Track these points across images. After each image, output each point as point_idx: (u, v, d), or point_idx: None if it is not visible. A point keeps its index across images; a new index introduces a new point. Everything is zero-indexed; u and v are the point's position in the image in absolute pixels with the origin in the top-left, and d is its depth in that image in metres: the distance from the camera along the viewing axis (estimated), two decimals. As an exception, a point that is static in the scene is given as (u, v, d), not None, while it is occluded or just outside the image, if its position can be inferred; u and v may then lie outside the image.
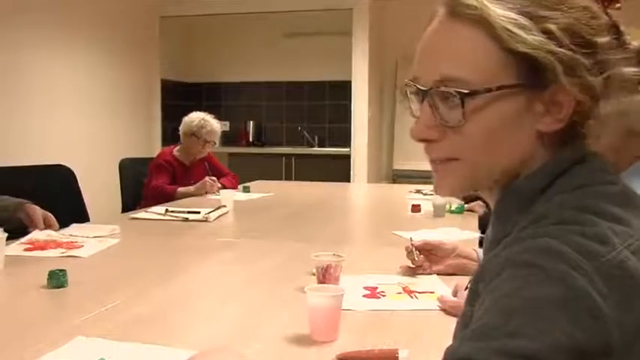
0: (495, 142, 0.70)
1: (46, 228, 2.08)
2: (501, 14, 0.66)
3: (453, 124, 0.70)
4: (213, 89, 7.11)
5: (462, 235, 2.31)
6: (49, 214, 2.13)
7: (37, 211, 2.08)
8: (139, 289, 1.56)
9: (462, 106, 0.68)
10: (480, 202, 2.96)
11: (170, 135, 5.55)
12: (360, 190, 5.02)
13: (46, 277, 1.52)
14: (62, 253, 1.91)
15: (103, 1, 5.34)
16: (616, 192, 0.67)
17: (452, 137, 0.71)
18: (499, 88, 0.67)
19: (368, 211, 3.65)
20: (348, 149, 6.05)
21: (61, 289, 1.51)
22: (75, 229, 2.31)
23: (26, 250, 1.93)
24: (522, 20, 0.66)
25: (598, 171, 0.70)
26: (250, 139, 6.81)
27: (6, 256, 1.75)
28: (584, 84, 0.66)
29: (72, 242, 2.05)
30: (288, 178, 6.12)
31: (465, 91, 0.68)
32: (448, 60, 0.70)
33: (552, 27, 0.66)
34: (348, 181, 5.88)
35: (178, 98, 6.63)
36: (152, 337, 1.18)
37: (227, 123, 6.62)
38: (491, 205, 0.78)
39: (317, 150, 6.52)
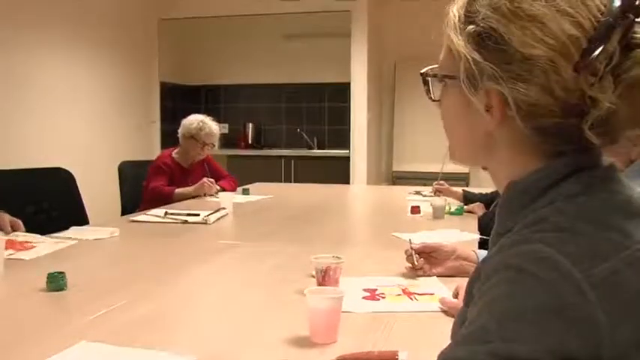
0: (453, 126, 0.79)
1: (13, 232, 2.13)
2: (453, 10, 0.72)
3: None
4: (212, 91, 7.11)
5: (461, 236, 2.31)
6: (18, 220, 2.18)
7: (5, 218, 2.16)
8: (138, 291, 1.56)
9: (429, 86, 0.80)
10: (479, 204, 2.96)
11: (170, 137, 5.55)
12: (360, 191, 5.02)
13: (45, 280, 1.52)
14: (10, 254, 1.91)
15: (102, 4, 5.34)
16: (620, 201, 0.66)
17: None
18: (443, 76, 0.76)
19: (367, 212, 3.65)
20: (347, 151, 6.05)
21: (60, 292, 1.51)
22: (74, 231, 2.31)
23: None
24: (456, 18, 0.71)
25: (605, 179, 0.69)
26: (249, 142, 6.81)
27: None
28: (496, 91, 0.67)
29: (25, 243, 2.05)
30: (288, 180, 6.12)
31: (426, 72, 0.79)
32: None
33: (471, 28, 0.69)
34: (348, 182, 5.88)
35: (177, 101, 6.63)
36: (152, 340, 1.18)
37: (226, 125, 6.61)
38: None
39: (316, 152, 6.52)
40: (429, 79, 0.80)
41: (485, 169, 0.79)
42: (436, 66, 0.79)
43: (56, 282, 1.52)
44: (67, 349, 1.11)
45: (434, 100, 0.80)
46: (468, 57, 0.68)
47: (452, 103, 0.76)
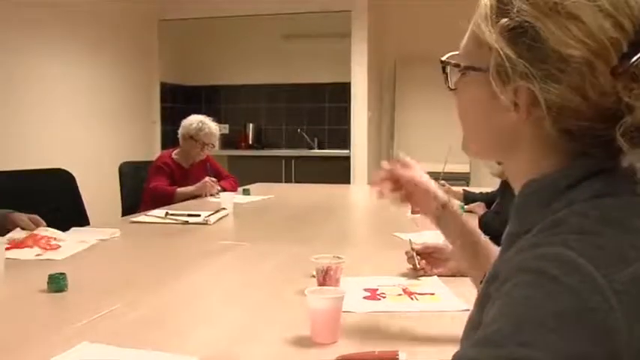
0: (471, 118, 0.77)
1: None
2: (484, 1, 0.70)
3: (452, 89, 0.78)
4: (213, 92, 7.11)
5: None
6: (35, 215, 2.14)
7: (23, 217, 2.12)
8: (139, 292, 1.56)
9: (448, 76, 0.77)
10: (479, 204, 2.96)
11: (170, 138, 5.55)
12: (360, 191, 5.01)
13: (46, 280, 1.52)
14: (37, 255, 1.91)
15: (102, 5, 5.34)
16: None
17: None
18: (466, 67, 0.73)
19: (368, 212, 3.65)
20: (347, 151, 6.05)
21: (61, 293, 1.51)
22: (75, 232, 2.31)
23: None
24: (487, 8, 0.69)
25: (626, 181, 0.65)
26: (250, 142, 6.82)
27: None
28: (526, 89, 0.65)
29: (49, 241, 2.04)
30: (288, 180, 6.12)
31: (447, 61, 0.76)
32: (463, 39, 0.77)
33: (504, 22, 0.66)
34: (348, 182, 5.88)
35: (178, 101, 6.64)
36: (153, 341, 1.18)
37: (226, 126, 6.63)
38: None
39: (317, 152, 6.52)
40: (449, 67, 0.77)
41: (499, 163, 0.78)
42: (455, 53, 0.76)
43: (57, 283, 1.52)
44: (68, 350, 1.11)
45: (451, 89, 0.78)
46: (501, 52, 0.66)
47: (473, 95, 0.73)
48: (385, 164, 1.26)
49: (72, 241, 2.09)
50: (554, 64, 0.63)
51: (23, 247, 1.94)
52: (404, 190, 1.26)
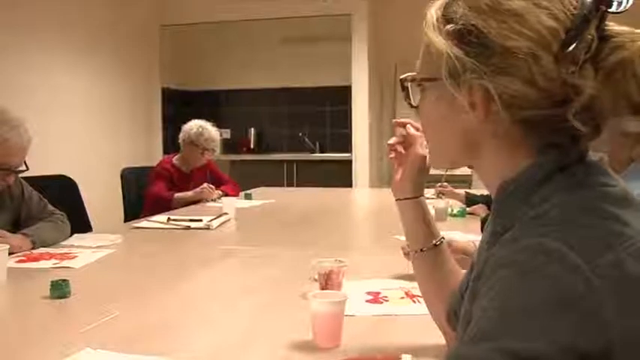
0: (434, 129, 0.80)
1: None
2: (430, 14, 0.74)
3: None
4: (214, 97, 7.12)
5: (464, 238, 2.30)
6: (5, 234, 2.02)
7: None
8: (141, 298, 1.56)
9: (408, 92, 0.82)
10: (481, 205, 2.96)
11: (172, 143, 5.55)
12: (362, 195, 5.02)
13: (49, 287, 1.52)
14: (54, 264, 1.91)
15: (102, 10, 5.36)
16: (616, 193, 0.67)
17: None
18: (423, 79, 0.78)
19: (370, 216, 3.65)
20: (349, 154, 6.05)
21: (63, 299, 1.51)
22: (77, 239, 2.32)
23: (19, 261, 1.93)
24: (435, 19, 0.73)
25: (598, 172, 0.70)
26: (251, 146, 6.82)
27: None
28: (480, 86, 0.68)
29: (66, 253, 2.05)
30: (290, 184, 6.12)
31: (404, 78, 0.81)
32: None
33: (449, 27, 0.70)
34: (350, 186, 5.87)
35: (179, 106, 6.64)
36: (156, 347, 1.18)
37: (228, 130, 6.62)
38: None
39: (318, 156, 6.52)
40: (408, 84, 0.81)
41: (470, 167, 0.79)
42: (414, 74, 0.80)
43: (60, 289, 1.52)
44: (70, 356, 1.11)
45: (412, 107, 0.82)
46: (450, 53, 0.70)
47: (432, 105, 0.77)
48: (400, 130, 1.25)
49: (88, 251, 2.10)
50: (501, 58, 0.67)
51: (40, 260, 1.96)
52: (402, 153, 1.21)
